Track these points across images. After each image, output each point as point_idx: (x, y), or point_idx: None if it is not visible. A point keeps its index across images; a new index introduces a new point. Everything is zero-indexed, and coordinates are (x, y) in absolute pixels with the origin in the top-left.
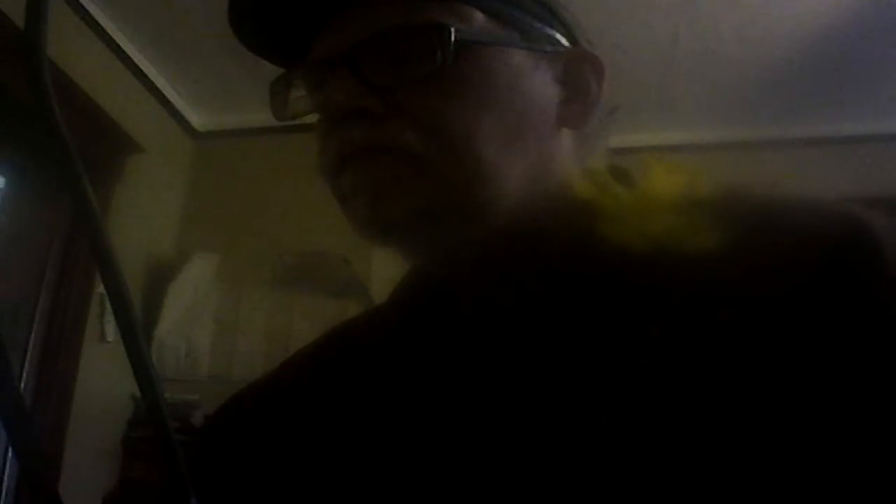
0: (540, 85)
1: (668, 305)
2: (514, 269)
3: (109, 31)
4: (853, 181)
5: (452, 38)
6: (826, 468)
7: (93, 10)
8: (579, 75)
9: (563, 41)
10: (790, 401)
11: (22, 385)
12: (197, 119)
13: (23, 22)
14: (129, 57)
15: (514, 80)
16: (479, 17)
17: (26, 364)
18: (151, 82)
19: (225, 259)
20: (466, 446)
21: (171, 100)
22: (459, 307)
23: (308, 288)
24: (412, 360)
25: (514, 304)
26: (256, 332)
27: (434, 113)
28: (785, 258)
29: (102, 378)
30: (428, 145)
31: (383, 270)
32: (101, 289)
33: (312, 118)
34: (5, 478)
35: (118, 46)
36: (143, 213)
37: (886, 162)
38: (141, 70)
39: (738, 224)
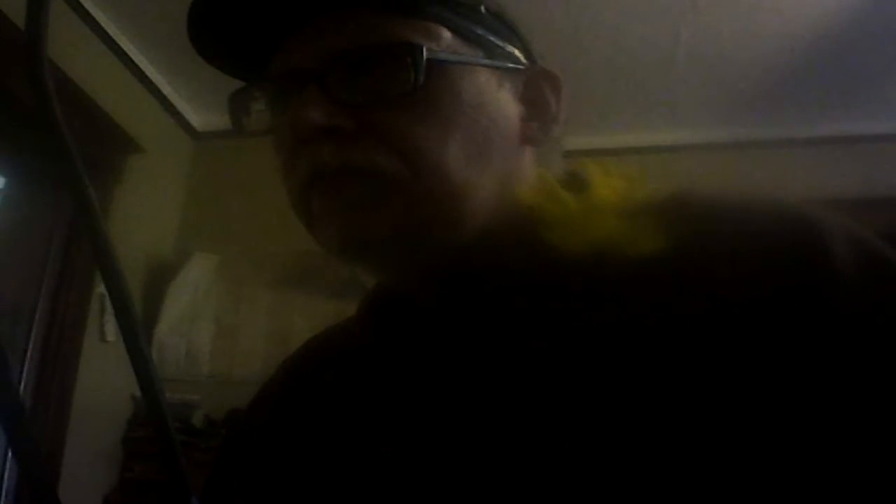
0: (503, 103)
1: (611, 311)
2: (475, 280)
3: (109, 31)
4: (853, 181)
5: (424, 57)
6: (782, 473)
7: (93, 10)
8: (539, 93)
9: (522, 58)
10: (734, 403)
11: (22, 385)
12: (197, 119)
13: (23, 22)
14: (129, 57)
15: (481, 98)
16: (446, 35)
17: (26, 364)
18: (151, 82)
19: (225, 259)
20: (438, 456)
21: (171, 100)
22: (426, 319)
23: (308, 288)
24: (380, 375)
25: (475, 314)
26: (256, 332)
27: (405, 133)
28: (729, 261)
29: (102, 378)
30: (400, 166)
31: None
32: (101, 289)
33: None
34: (5, 478)
35: (118, 46)
36: (143, 213)
37: (886, 162)
38: (141, 70)
39: (682, 227)
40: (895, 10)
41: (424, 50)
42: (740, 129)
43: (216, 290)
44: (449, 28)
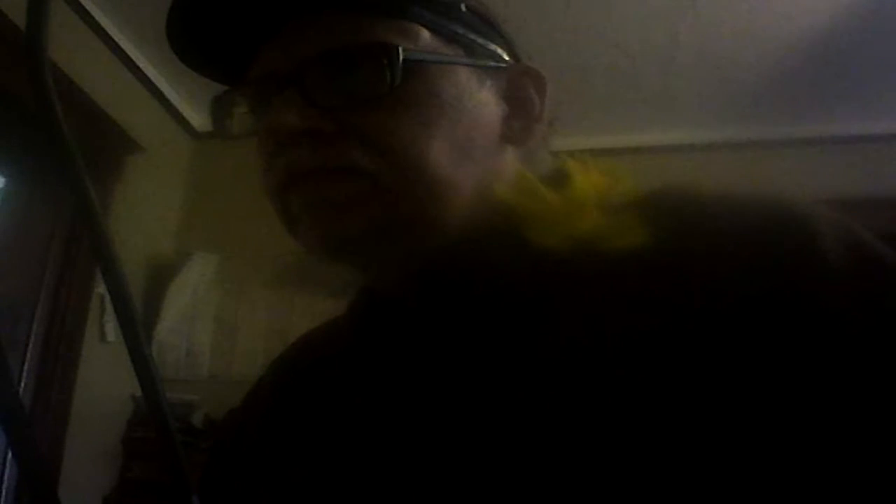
0: (485, 102)
1: (593, 309)
2: (454, 278)
3: (109, 32)
4: (853, 181)
5: (401, 58)
6: (768, 473)
7: (93, 10)
8: (522, 91)
9: (505, 56)
10: (717, 402)
11: (22, 385)
12: (197, 119)
13: (23, 22)
14: (129, 57)
15: (461, 97)
16: (424, 34)
17: (26, 364)
18: (151, 82)
19: (225, 259)
20: (426, 455)
21: (171, 100)
22: (408, 319)
23: (308, 288)
24: (365, 375)
25: (458, 314)
26: (256, 332)
27: (385, 133)
28: (715, 256)
29: (102, 378)
30: (380, 165)
31: None
32: (101, 289)
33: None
34: (5, 478)
35: (118, 46)
36: (143, 213)
37: (886, 162)
38: (141, 70)
39: (665, 223)
40: (895, 10)
41: (401, 50)
42: (740, 129)
43: (216, 290)
44: (427, 27)
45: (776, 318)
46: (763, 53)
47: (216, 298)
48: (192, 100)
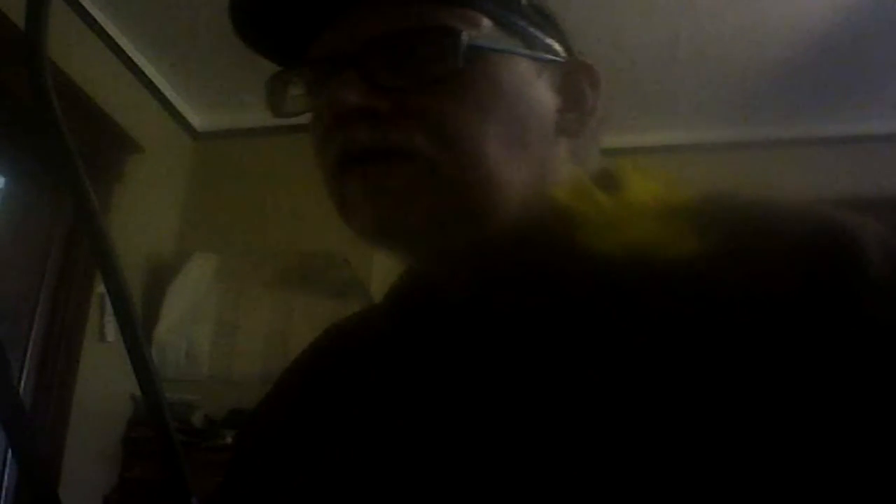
0: (541, 93)
1: (647, 313)
2: (506, 275)
3: (109, 32)
4: (853, 181)
5: (465, 42)
6: (807, 477)
7: (93, 10)
8: (576, 85)
9: (561, 50)
10: (770, 409)
11: (22, 385)
12: (197, 119)
13: (23, 22)
14: (129, 57)
15: (519, 87)
16: (486, 23)
17: (26, 364)
18: (151, 82)
19: (225, 259)
20: (455, 449)
21: (171, 100)
22: (452, 311)
23: (308, 288)
24: (403, 365)
25: (504, 309)
26: (256, 332)
27: (443, 116)
28: (765, 265)
29: (102, 378)
30: (437, 148)
31: (383, 270)
32: (101, 289)
33: (306, 118)
34: (5, 478)
35: (118, 46)
36: (143, 213)
37: (886, 162)
38: (141, 70)
39: (718, 230)
40: (895, 9)
41: (464, 35)
42: (740, 129)
43: (216, 290)
44: (489, 16)
45: (821, 324)
46: (763, 54)
47: (216, 298)
48: (192, 100)
